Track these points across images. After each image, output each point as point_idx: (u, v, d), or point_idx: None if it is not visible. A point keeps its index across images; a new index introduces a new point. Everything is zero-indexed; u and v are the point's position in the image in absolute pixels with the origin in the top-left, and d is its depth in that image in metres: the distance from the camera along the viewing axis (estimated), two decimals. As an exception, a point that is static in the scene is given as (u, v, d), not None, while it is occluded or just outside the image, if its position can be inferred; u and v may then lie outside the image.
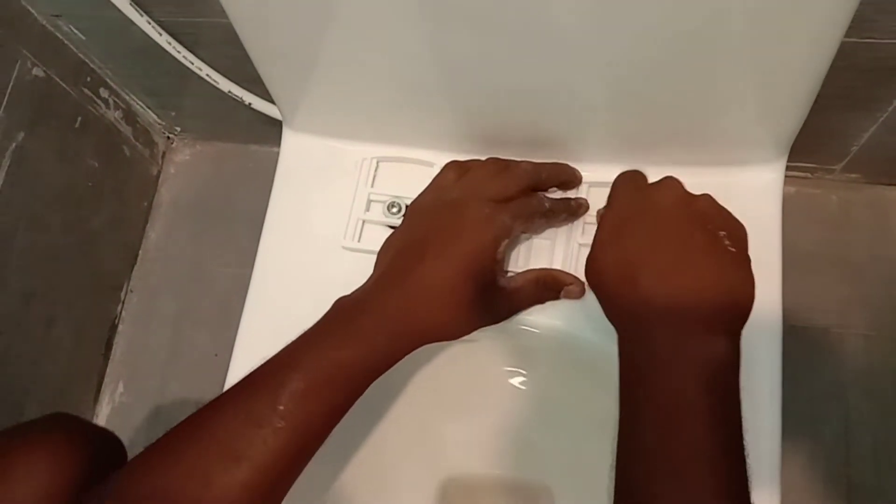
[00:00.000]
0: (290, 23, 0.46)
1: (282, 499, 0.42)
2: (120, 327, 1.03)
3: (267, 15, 0.46)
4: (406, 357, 0.55)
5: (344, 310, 0.46)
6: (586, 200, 0.53)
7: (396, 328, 0.46)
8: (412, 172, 0.56)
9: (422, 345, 0.49)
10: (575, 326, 0.52)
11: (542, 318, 0.52)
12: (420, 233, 0.49)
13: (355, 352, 0.44)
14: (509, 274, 0.52)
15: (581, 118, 0.50)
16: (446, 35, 0.45)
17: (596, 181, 0.53)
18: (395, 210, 0.55)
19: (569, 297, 0.52)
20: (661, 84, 0.46)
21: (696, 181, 0.51)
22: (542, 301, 0.52)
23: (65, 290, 0.92)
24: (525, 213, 0.50)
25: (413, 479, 0.67)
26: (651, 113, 0.49)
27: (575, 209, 0.53)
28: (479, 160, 0.52)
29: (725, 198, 0.51)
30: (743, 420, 0.39)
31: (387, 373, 0.62)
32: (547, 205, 0.51)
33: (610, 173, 0.53)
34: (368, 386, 0.47)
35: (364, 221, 0.56)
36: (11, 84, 0.78)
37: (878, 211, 0.91)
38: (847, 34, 0.64)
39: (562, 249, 0.53)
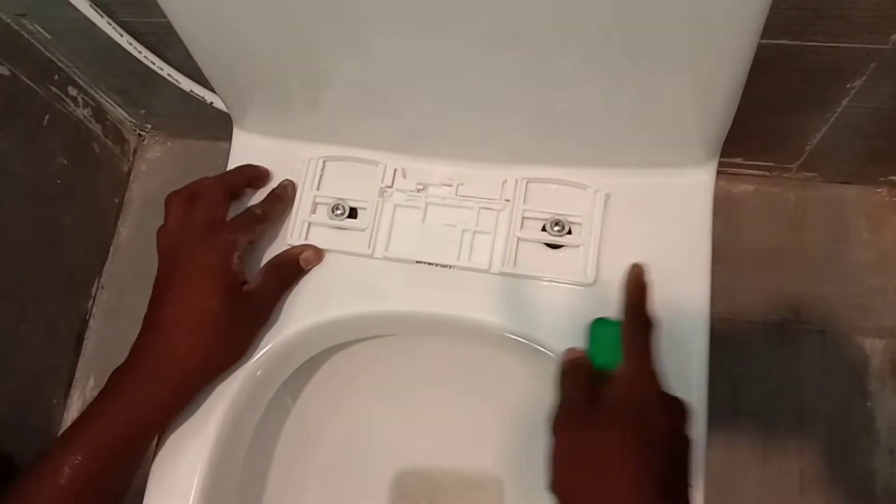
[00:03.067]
0: (231, 28, 0.48)
1: None
2: (91, 322, 1.04)
3: (205, 17, 0.47)
4: (359, 353, 0.57)
5: (113, 377, 0.49)
6: (291, 183, 0.57)
7: (162, 376, 0.48)
8: (358, 172, 0.57)
9: (205, 381, 0.52)
10: (530, 328, 0.53)
11: (495, 318, 0.53)
12: (159, 283, 0.51)
13: (126, 414, 0.47)
14: None
15: (518, 121, 0.52)
16: (390, 39, 0.46)
17: (535, 177, 0.55)
18: (338, 212, 0.56)
19: (307, 264, 0.55)
20: (592, 91, 0.47)
21: (629, 181, 0.54)
22: (289, 282, 0.55)
23: (35, 286, 0.93)
24: (242, 226, 0.53)
25: (366, 474, 0.69)
26: (584, 118, 0.50)
27: (282, 195, 0.56)
28: (173, 198, 0.54)
29: (658, 198, 0.53)
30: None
31: (329, 370, 0.64)
32: (259, 211, 0.55)
33: (547, 172, 0.55)
34: (157, 432, 0.51)
35: (310, 224, 0.57)
36: (-24, 83, 0.80)
37: (834, 209, 0.93)
38: (791, 38, 0.67)
39: (501, 243, 0.54)
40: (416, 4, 0.42)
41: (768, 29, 0.41)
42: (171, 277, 0.50)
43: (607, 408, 0.42)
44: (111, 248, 1.07)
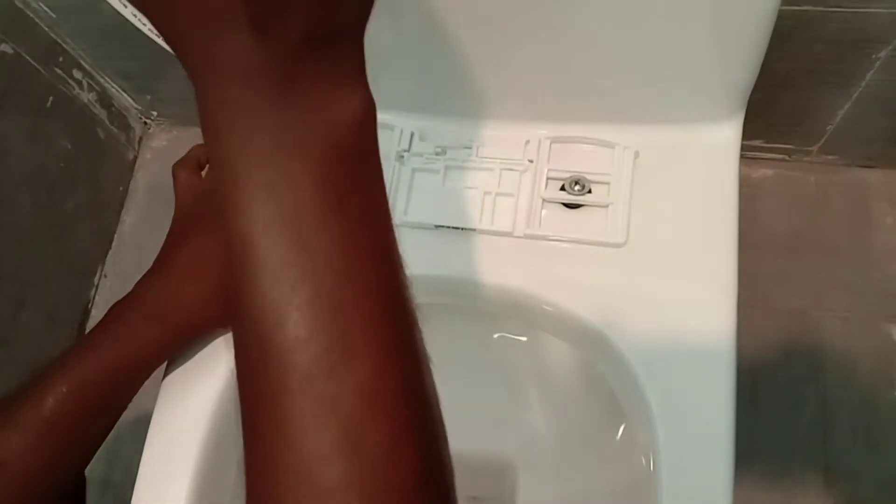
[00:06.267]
0: None
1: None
2: (93, 311, 1.02)
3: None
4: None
5: (111, 311, 0.48)
6: None
7: (161, 321, 0.47)
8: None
9: (203, 332, 0.50)
10: (558, 292, 0.51)
11: (519, 282, 0.51)
12: (175, 228, 0.50)
13: (118, 351, 0.45)
14: None
15: (538, 77, 0.50)
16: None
17: (559, 136, 0.53)
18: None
19: None
20: (616, 42, 0.46)
21: (653, 138, 0.52)
22: None
23: (35, 272, 0.91)
24: None
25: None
26: (608, 71, 0.49)
27: None
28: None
29: (683, 156, 0.51)
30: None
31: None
32: None
33: (571, 130, 0.53)
34: (145, 379, 0.48)
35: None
36: (-23, 59, 0.78)
37: (855, 193, 0.91)
38: (813, 3, 0.65)
39: (525, 205, 0.52)
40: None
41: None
42: (189, 224, 0.49)
43: None
44: (115, 236, 1.05)
